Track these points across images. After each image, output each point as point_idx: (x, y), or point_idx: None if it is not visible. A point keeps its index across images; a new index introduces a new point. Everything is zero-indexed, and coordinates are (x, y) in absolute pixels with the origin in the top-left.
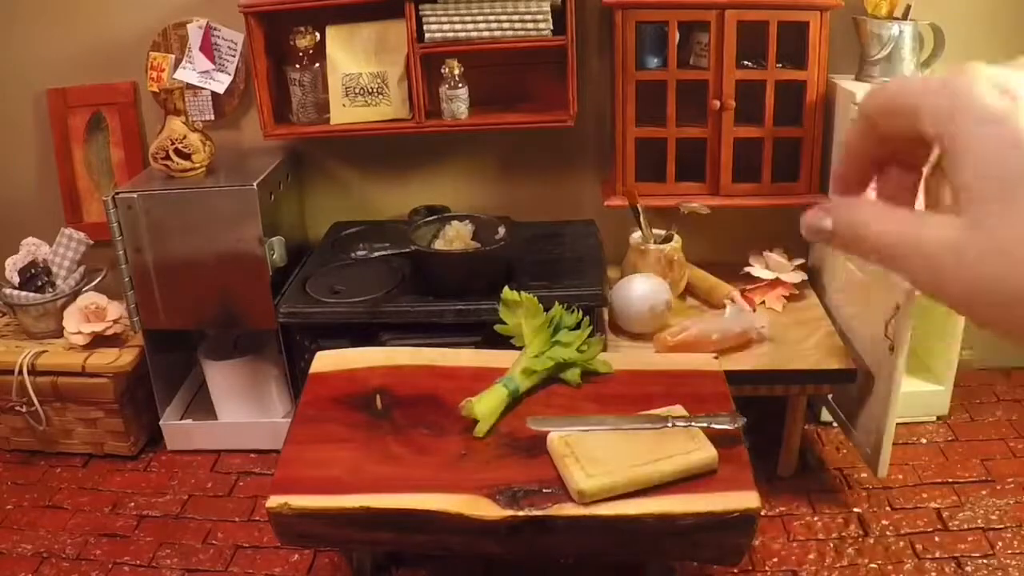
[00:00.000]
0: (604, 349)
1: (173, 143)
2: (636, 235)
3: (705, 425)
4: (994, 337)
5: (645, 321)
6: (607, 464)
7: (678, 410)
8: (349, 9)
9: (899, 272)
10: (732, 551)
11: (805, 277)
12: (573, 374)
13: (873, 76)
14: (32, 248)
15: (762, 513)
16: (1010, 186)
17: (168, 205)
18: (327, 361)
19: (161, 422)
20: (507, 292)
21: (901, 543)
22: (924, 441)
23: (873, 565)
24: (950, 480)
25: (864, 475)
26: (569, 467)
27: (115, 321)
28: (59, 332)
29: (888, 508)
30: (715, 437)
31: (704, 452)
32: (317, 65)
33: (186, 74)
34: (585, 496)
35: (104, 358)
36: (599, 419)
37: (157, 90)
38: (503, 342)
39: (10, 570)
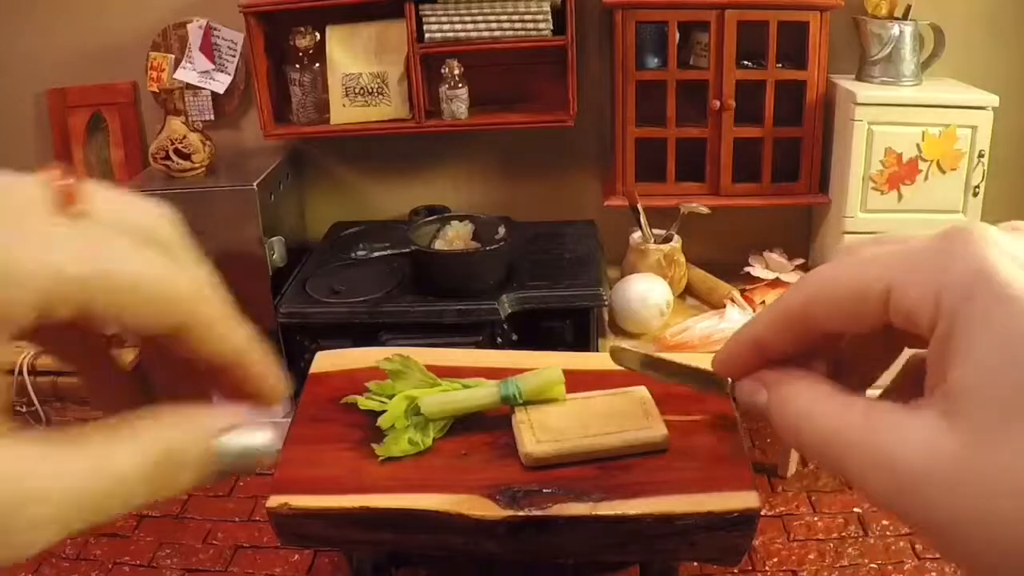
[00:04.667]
0: None
1: (173, 143)
2: (636, 235)
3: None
4: None
5: (645, 321)
6: (558, 433)
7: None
8: (349, 9)
9: (851, 480)
10: (732, 551)
11: None
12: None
13: (873, 76)
14: None
15: (762, 513)
16: None
17: (168, 205)
18: (327, 361)
19: None
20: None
21: (901, 543)
22: None
23: (873, 565)
24: None
25: None
26: (523, 432)
27: None
28: None
29: None
30: (715, 436)
31: (654, 430)
32: (317, 65)
33: (186, 74)
34: (531, 459)
35: None
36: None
37: (157, 90)
38: (504, 342)
39: (10, 570)
